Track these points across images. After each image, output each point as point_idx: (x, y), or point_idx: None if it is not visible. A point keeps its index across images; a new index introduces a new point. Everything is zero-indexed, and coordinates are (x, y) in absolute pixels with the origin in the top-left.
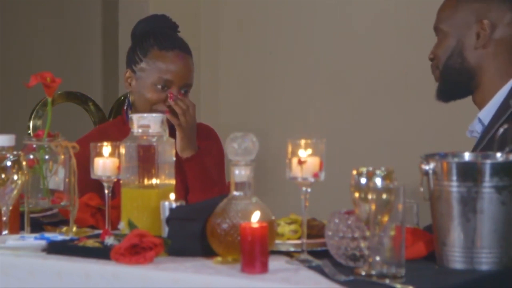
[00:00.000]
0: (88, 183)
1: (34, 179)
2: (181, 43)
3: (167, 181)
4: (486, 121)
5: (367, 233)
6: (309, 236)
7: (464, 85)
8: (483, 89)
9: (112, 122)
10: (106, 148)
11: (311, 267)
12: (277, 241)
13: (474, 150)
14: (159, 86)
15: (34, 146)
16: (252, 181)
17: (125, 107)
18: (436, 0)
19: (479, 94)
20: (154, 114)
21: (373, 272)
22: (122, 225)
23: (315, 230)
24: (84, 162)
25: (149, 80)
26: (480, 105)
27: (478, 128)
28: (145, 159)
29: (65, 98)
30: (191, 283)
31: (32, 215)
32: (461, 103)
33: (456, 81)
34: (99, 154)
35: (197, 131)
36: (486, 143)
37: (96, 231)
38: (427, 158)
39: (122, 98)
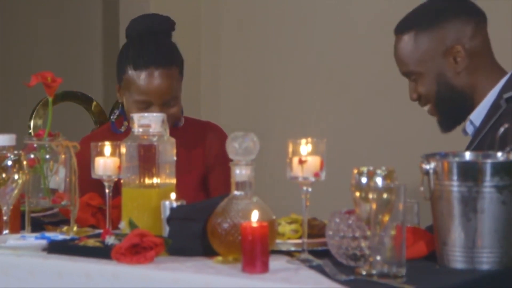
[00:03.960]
0: (86, 187)
1: (34, 179)
2: (159, 56)
3: (167, 181)
4: (477, 122)
5: (368, 233)
6: (310, 236)
7: (462, 109)
8: (478, 101)
9: (99, 131)
10: (107, 147)
11: (311, 267)
12: (277, 241)
13: (466, 151)
14: (141, 106)
15: (35, 145)
16: (252, 181)
17: (112, 118)
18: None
19: (477, 106)
20: (154, 114)
21: (374, 272)
22: (123, 225)
23: (315, 229)
24: (80, 165)
25: (131, 99)
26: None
27: (469, 130)
28: (146, 159)
29: (66, 98)
30: (192, 283)
31: (32, 215)
32: None
33: (453, 109)
34: (100, 154)
35: (208, 131)
36: (477, 144)
37: (97, 231)
38: (428, 157)
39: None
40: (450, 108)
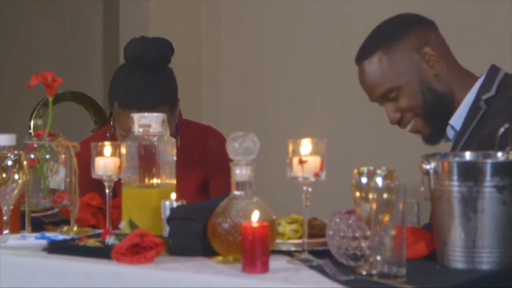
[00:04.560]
0: (87, 187)
1: (35, 179)
2: (144, 100)
3: (168, 181)
4: (458, 126)
5: (368, 233)
6: (310, 236)
7: (447, 115)
8: (457, 105)
9: (97, 135)
10: (107, 147)
11: (312, 267)
12: (278, 241)
13: None
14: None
15: (35, 145)
16: (253, 181)
17: (108, 135)
18: (436, 0)
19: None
20: (155, 114)
21: (374, 272)
22: (123, 225)
23: (316, 229)
24: (83, 165)
25: (119, 129)
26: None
27: (450, 134)
28: (146, 159)
29: (66, 98)
30: (192, 283)
31: (33, 215)
32: None
33: (441, 115)
34: (100, 154)
35: (208, 136)
36: (462, 148)
37: (97, 231)
38: (428, 157)
39: None
40: (438, 115)
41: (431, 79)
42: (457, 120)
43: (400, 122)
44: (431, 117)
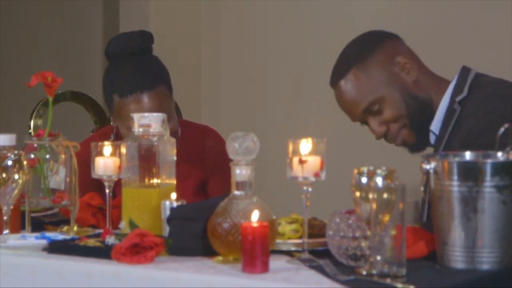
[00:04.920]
0: (88, 186)
1: (35, 179)
2: (141, 80)
3: (168, 181)
4: (437, 131)
5: (368, 233)
6: (310, 236)
7: (432, 118)
8: (435, 110)
9: (97, 135)
10: (107, 147)
11: (312, 267)
12: (278, 241)
13: None
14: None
15: (35, 145)
16: (253, 181)
17: (111, 138)
18: (436, 0)
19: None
20: (155, 114)
21: (374, 272)
22: (123, 225)
23: (316, 229)
24: (83, 164)
25: (123, 126)
26: None
27: (432, 140)
28: (146, 159)
29: (66, 98)
30: (192, 283)
31: (33, 215)
32: None
33: (425, 121)
34: (100, 154)
35: (206, 136)
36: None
37: (97, 231)
38: (428, 157)
39: None
40: (422, 121)
41: (410, 86)
42: (436, 125)
43: (386, 136)
44: (416, 125)
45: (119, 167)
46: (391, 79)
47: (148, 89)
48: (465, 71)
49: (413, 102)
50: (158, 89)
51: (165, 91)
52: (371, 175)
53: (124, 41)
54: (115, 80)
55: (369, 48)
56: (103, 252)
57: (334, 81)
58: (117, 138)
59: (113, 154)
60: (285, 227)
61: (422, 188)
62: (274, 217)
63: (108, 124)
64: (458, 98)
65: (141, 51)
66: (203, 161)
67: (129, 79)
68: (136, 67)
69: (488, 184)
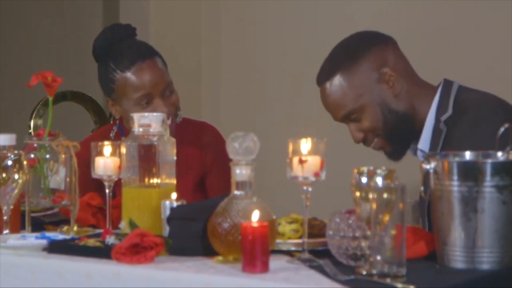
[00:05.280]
0: (88, 186)
1: (35, 179)
2: (139, 51)
3: (168, 181)
4: (426, 149)
5: (368, 233)
6: (310, 236)
7: (409, 132)
8: (420, 123)
9: (97, 134)
10: (107, 147)
11: (312, 267)
12: (278, 241)
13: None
14: (143, 103)
15: (35, 145)
16: (253, 181)
17: (111, 135)
18: (434, 0)
19: (419, 123)
20: (155, 114)
21: (374, 272)
22: (123, 225)
23: (316, 229)
24: (84, 164)
25: (130, 102)
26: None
27: (420, 157)
28: (146, 159)
29: (66, 98)
30: (192, 283)
31: (33, 215)
32: None
33: (402, 134)
34: (100, 154)
35: (204, 132)
36: None
37: (97, 231)
38: (428, 157)
39: None
40: (399, 134)
41: (392, 100)
42: (424, 143)
43: (365, 141)
44: (391, 137)
45: (119, 167)
46: (373, 90)
47: (148, 58)
48: (447, 85)
49: (391, 117)
50: (156, 59)
51: (162, 63)
52: (371, 175)
53: (110, 30)
54: (112, 60)
55: (355, 55)
56: (103, 252)
57: (320, 81)
58: (120, 133)
59: (113, 154)
60: (285, 227)
61: (422, 188)
62: (274, 217)
63: (108, 124)
64: (444, 117)
65: (128, 36)
66: (201, 157)
67: (127, 53)
68: (129, 43)
69: (488, 184)
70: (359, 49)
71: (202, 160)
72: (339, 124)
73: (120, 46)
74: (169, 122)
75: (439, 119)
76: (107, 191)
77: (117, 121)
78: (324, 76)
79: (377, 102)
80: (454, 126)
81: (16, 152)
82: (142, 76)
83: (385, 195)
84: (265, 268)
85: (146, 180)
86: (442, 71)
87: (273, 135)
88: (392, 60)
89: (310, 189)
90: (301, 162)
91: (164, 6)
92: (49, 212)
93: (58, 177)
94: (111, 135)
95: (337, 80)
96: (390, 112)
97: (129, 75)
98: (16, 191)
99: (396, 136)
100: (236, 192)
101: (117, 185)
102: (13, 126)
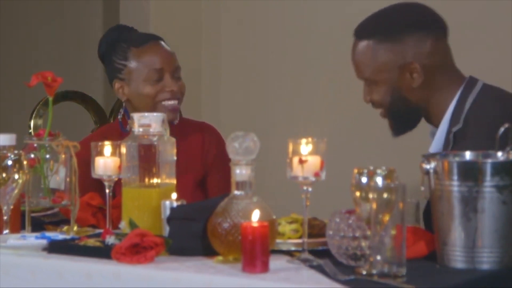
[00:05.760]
0: (88, 185)
1: (35, 179)
2: (152, 35)
3: (168, 181)
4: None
5: (368, 233)
6: (310, 236)
7: (415, 119)
8: (434, 113)
9: (111, 125)
10: (107, 147)
11: (312, 267)
12: (278, 241)
13: None
14: (154, 79)
15: (35, 145)
16: (253, 181)
17: (119, 117)
18: (434, 0)
19: (433, 117)
20: (155, 114)
21: (374, 272)
22: (123, 225)
23: (316, 229)
24: (84, 164)
25: (141, 78)
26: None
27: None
28: (146, 159)
29: (66, 98)
30: (192, 283)
31: (33, 215)
32: None
33: (406, 120)
34: (100, 154)
35: (205, 132)
36: None
37: (97, 231)
38: (428, 157)
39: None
40: (403, 119)
41: (407, 90)
42: (435, 149)
43: (372, 105)
44: (394, 118)
45: (119, 167)
46: (392, 73)
47: (161, 40)
48: (468, 86)
49: (401, 104)
50: (166, 44)
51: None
52: (371, 175)
53: (116, 31)
54: (124, 41)
55: (397, 33)
56: (103, 252)
57: (357, 35)
58: (126, 116)
59: (113, 154)
60: (285, 227)
61: (422, 188)
62: (274, 217)
63: (108, 123)
64: (455, 129)
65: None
66: (203, 157)
67: (139, 34)
68: (136, 31)
69: (488, 184)
70: (402, 29)
71: (204, 160)
72: (339, 124)
73: (130, 32)
74: (173, 102)
75: (451, 129)
76: (107, 191)
77: (124, 104)
78: (361, 32)
79: (392, 86)
80: (461, 140)
81: (16, 152)
82: (155, 51)
83: (385, 195)
84: (265, 268)
85: (146, 180)
86: None
87: (273, 135)
88: (425, 54)
89: (310, 189)
90: (301, 162)
91: (164, 6)
92: (49, 212)
93: (58, 177)
94: (119, 116)
95: (369, 46)
96: (400, 100)
97: (142, 50)
98: (16, 191)
99: (400, 120)
100: (236, 192)
101: (117, 185)
102: (13, 126)
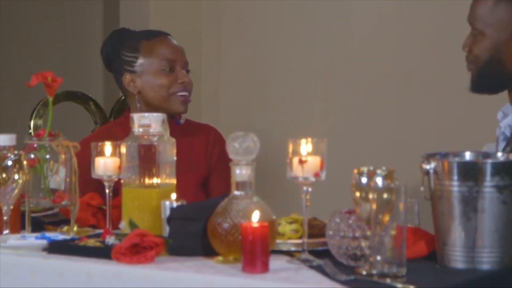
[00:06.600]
0: (93, 182)
1: (35, 179)
2: (161, 31)
3: (168, 181)
4: (507, 131)
5: (368, 233)
6: (310, 236)
7: (503, 85)
8: None
9: (116, 122)
10: (107, 147)
11: (312, 267)
12: (278, 241)
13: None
14: (166, 69)
15: (35, 145)
16: (253, 181)
17: (138, 105)
18: (435, 0)
19: None
20: (155, 114)
21: (374, 272)
22: (123, 225)
23: (316, 229)
24: (88, 162)
25: (153, 68)
26: None
27: (505, 132)
28: (146, 159)
29: (66, 98)
30: (192, 283)
31: (33, 215)
32: (461, 103)
33: (492, 83)
34: (100, 154)
35: (209, 133)
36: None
37: (97, 231)
38: (428, 157)
39: (123, 98)
40: (489, 79)
41: (508, 55)
42: (506, 125)
43: (467, 55)
44: (480, 76)
45: (119, 167)
46: (503, 33)
47: (170, 35)
48: None
49: (494, 66)
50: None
51: None
52: (371, 175)
53: (118, 31)
54: (135, 36)
55: None
56: (103, 252)
57: None
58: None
59: (113, 154)
60: (285, 227)
61: (422, 188)
62: (274, 217)
63: (108, 123)
64: None
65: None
66: (207, 157)
67: (149, 30)
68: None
69: (488, 184)
70: None
71: (207, 160)
72: (339, 124)
73: (136, 31)
74: (185, 93)
75: None
76: (107, 191)
77: (137, 95)
78: None
79: (495, 46)
80: None
81: (16, 152)
82: (167, 43)
83: (385, 195)
84: (265, 268)
85: (146, 180)
86: (443, 71)
87: (273, 135)
88: None
89: (310, 189)
90: (301, 162)
91: (164, 6)
92: (49, 212)
93: (58, 177)
94: (138, 105)
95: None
96: (497, 61)
97: (154, 42)
98: (16, 191)
99: (486, 79)
100: (236, 192)
101: (118, 185)
102: (13, 126)
